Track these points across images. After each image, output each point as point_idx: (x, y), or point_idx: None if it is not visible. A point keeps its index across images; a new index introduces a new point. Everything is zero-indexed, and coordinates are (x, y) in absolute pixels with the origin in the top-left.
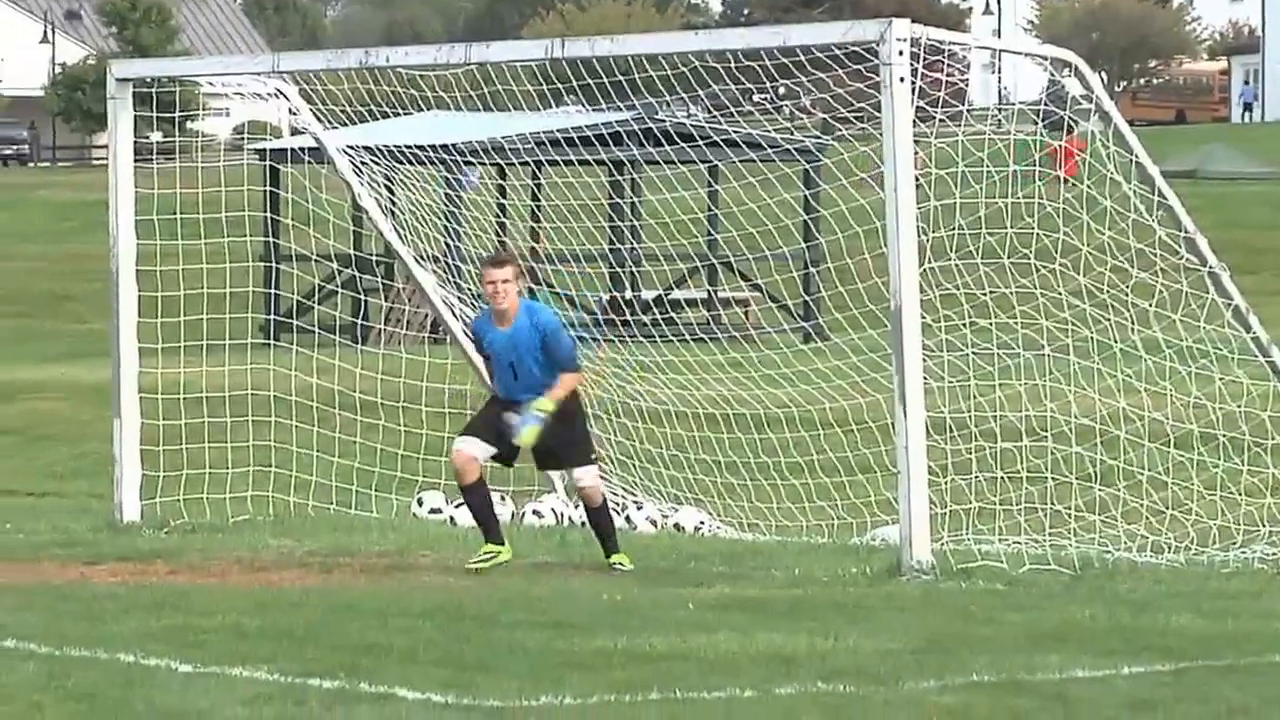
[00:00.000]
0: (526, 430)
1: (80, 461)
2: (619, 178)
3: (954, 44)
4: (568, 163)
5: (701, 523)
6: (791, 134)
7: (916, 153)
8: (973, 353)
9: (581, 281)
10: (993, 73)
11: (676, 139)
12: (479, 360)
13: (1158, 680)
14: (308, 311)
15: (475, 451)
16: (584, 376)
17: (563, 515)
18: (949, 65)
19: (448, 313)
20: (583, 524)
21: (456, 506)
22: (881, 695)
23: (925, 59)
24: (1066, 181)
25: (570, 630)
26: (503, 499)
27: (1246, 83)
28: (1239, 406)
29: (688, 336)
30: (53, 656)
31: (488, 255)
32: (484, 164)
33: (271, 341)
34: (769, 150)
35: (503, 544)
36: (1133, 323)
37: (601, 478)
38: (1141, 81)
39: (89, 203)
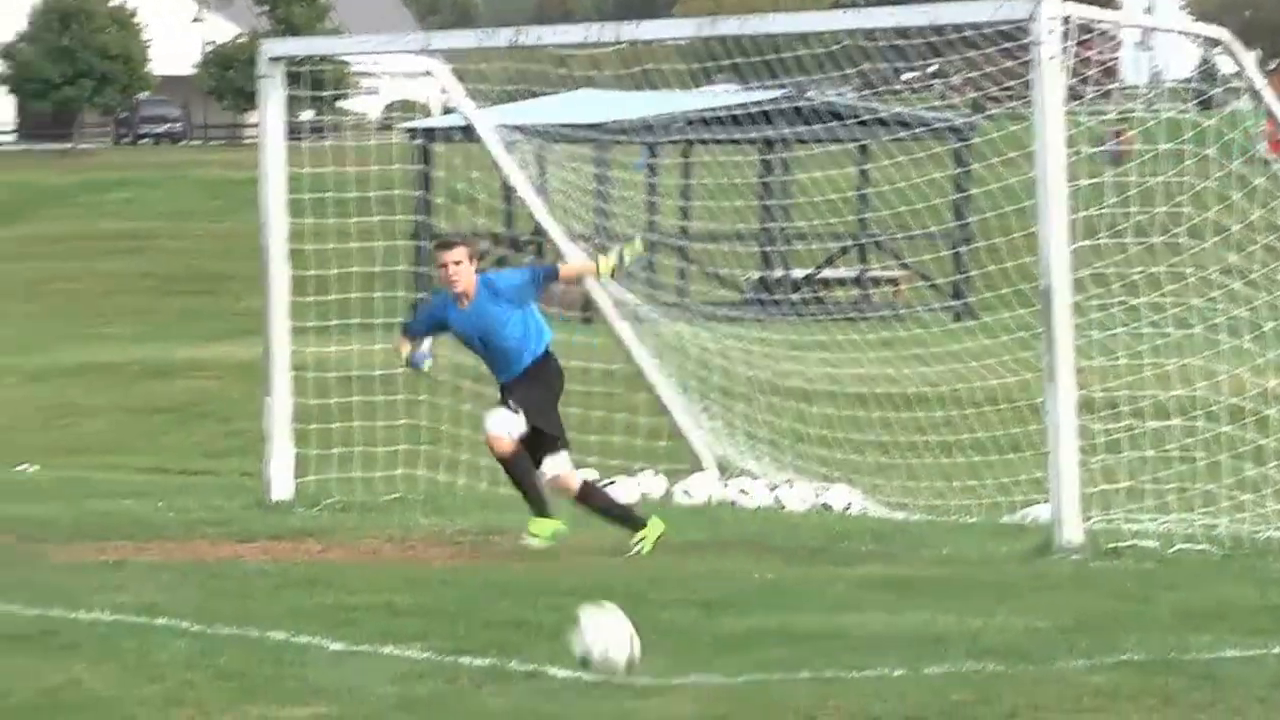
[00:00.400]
0: (615, 258)
1: (233, 440)
2: (769, 156)
3: (1105, 22)
4: (718, 142)
5: (851, 502)
6: (941, 112)
7: (1121, 130)
8: (1123, 331)
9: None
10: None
11: (827, 117)
12: (628, 338)
13: None
14: None
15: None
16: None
17: (713, 494)
18: (1100, 43)
19: (598, 291)
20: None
21: (607, 485)
22: (1031, 674)
23: (1076, 37)
24: (1265, 163)
25: (720, 609)
26: (656, 473)
27: None
28: None
29: (837, 316)
30: (204, 634)
31: (438, 238)
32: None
33: None
34: (919, 129)
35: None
36: None
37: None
38: None
39: (240, 181)
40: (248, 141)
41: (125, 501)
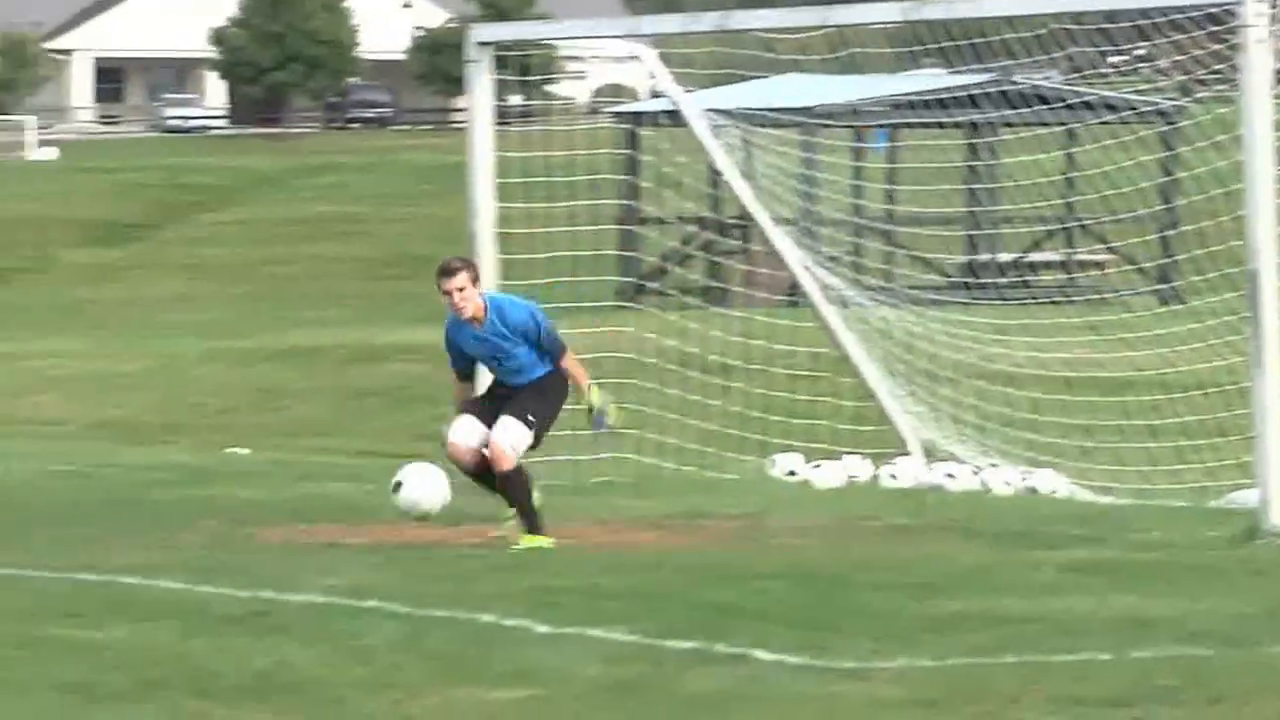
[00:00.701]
0: (609, 421)
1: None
2: (975, 140)
3: None
4: (924, 125)
5: (1057, 486)
6: (1148, 96)
7: None
8: None
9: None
10: None
11: (1033, 101)
12: (834, 322)
13: None
14: (665, 274)
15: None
16: (572, 354)
17: (919, 478)
18: None
19: (805, 275)
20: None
21: (815, 468)
22: (1238, 659)
23: None
24: None
25: (925, 592)
26: (862, 458)
27: None
28: None
29: (1043, 299)
30: (413, 617)
31: (438, 265)
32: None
33: (630, 304)
34: (1125, 112)
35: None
36: None
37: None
38: None
39: (448, 165)
40: (456, 126)
41: (336, 485)
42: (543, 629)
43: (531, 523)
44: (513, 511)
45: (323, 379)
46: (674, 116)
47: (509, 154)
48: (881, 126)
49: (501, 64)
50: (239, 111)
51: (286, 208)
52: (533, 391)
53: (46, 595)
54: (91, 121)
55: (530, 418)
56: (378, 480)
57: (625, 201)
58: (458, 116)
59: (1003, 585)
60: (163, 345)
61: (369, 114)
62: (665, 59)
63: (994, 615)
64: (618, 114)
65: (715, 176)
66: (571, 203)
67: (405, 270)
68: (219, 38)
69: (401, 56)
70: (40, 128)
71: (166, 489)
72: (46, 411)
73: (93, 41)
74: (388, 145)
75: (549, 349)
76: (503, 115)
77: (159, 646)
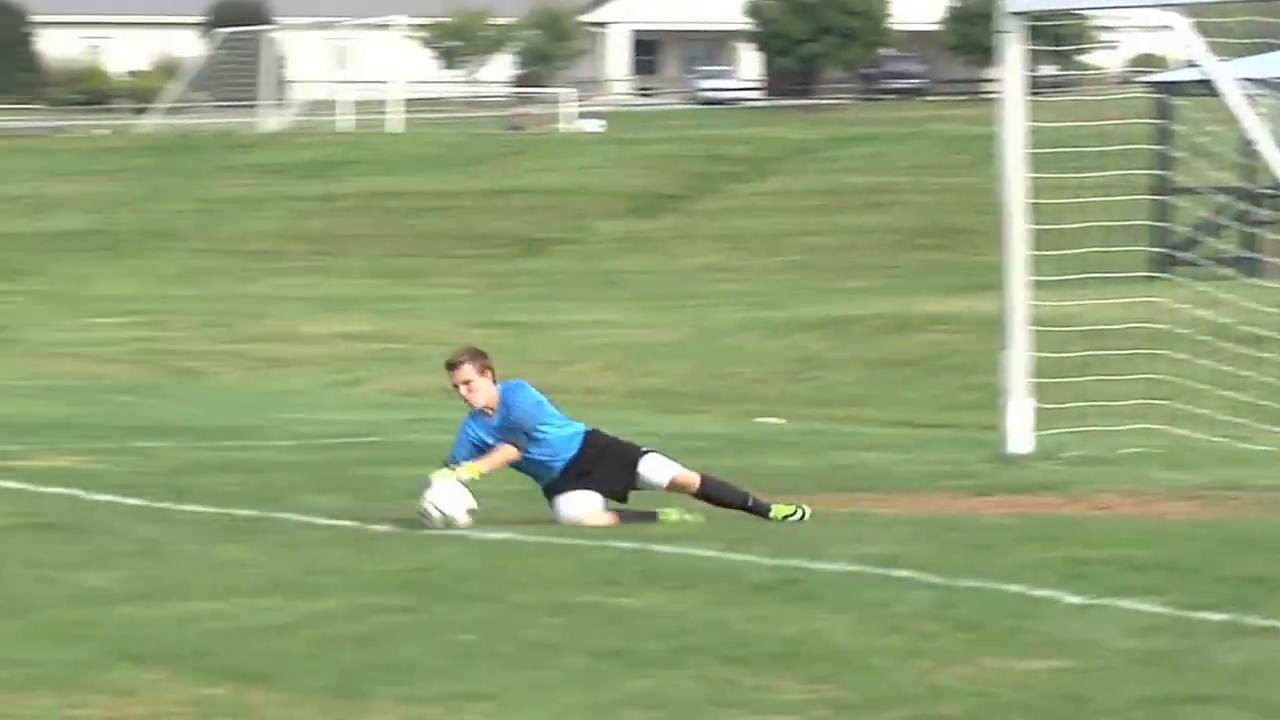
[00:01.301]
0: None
1: (973, 393)
2: None
3: None
4: None
5: None
6: None
7: None
8: None
9: None
10: None
11: None
12: None
13: None
14: (1199, 244)
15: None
16: (513, 453)
17: None
18: None
19: None
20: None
21: None
22: None
23: None
24: None
25: None
26: None
27: None
28: None
29: None
30: (943, 587)
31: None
32: None
33: (1162, 275)
34: None
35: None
36: None
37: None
38: None
39: (980, 136)
40: (988, 96)
41: (868, 454)
42: (1072, 600)
43: (755, 500)
44: (680, 514)
45: (856, 349)
46: (1207, 86)
47: (1040, 124)
48: None
49: (1033, 34)
50: (773, 83)
51: (820, 178)
52: (590, 469)
53: (584, 563)
54: (626, 94)
55: (640, 449)
56: (908, 450)
57: (1157, 171)
58: (989, 87)
59: None
60: (699, 315)
61: (902, 84)
62: (1199, 28)
63: None
64: (1150, 84)
65: (1249, 146)
66: (1103, 173)
67: (938, 240)
68: (754, 10)
69: (935, 27)
70: (577, 100)
71: (701, 458)
72: (585, 380)
73: (629, 14)
74: (920, 116)
75: (510, 429)
76: (1034, 85)
77: (691, 614)
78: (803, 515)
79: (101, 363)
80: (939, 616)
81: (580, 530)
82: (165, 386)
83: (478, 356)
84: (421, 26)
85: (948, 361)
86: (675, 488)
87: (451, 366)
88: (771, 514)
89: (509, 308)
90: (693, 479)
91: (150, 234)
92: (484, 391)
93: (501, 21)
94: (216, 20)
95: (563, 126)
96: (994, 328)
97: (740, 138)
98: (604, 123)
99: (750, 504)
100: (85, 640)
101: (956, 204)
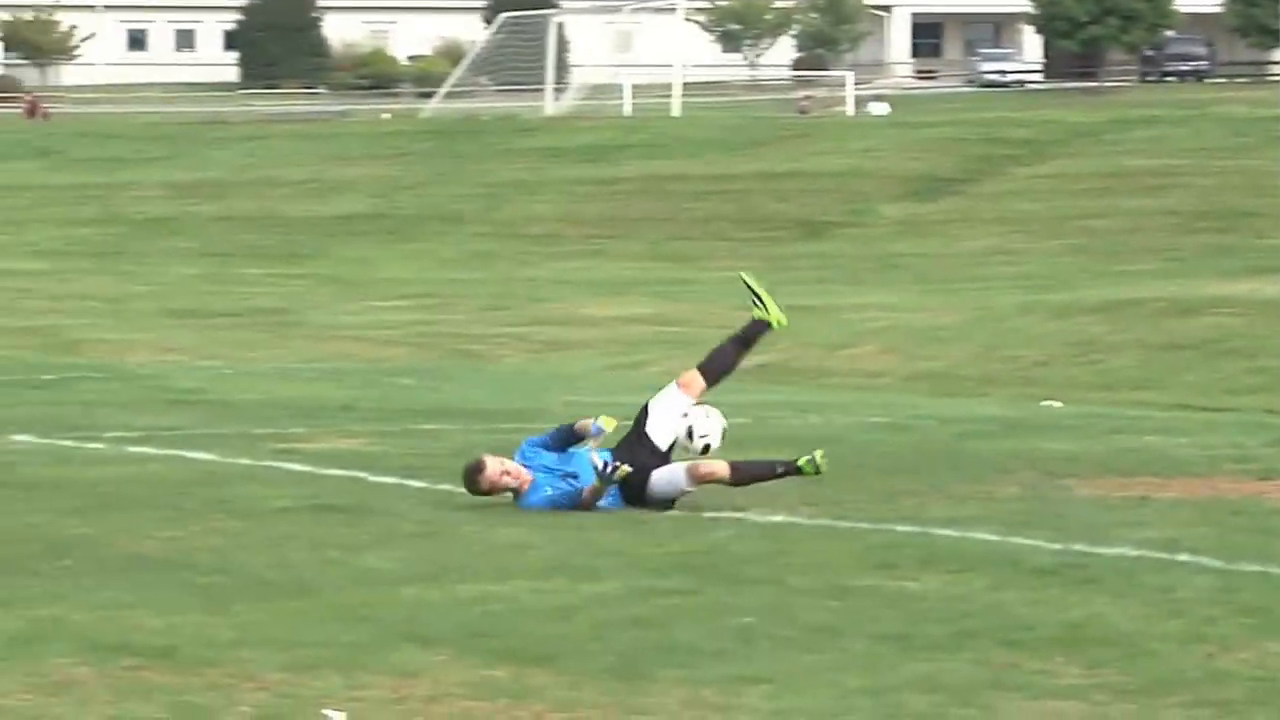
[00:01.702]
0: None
1: (1257, 377)
2: None
3: None
4: None
5: None
6: None
7: None
8: None
9: None
10: None
11: None
12: None
13: None
14: None
15: None
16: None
17: None
18: None
19: None
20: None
21: None
22: None
23: None
24: None
25: None
26: None
27: None
28: None
29: None
30: (1226, 571)
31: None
32: None
33: None
34: None
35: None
36: None
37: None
38: None
39: (1263, 119)
40: (1272, 79)
41: (1149, 438)
42: None
43: (785, 465)
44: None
45: (1137, 332)
46: None
47: None
48: None
49: None
50: (1055, 65)
51: (1100, 161)
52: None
53: (863, 546)
54: (909, 76)
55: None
56: (1191, 433)
57: None
58: (1273, 69)
59: None
60: (979, 298)
61: (1185, 67)
62: None
63: None
64: None
65: None
66: None
67: (1220, 223)
68: None
69: (1218, 9)
70: (858, 83)
71: (982, 440)
72: (865, 363)
73: None
74: (1203, 99)
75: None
76: None
77: (972, 597)
78: (813, 461)
79: (382, 345)
80: (1221, 601)
81: (858, 514)
82: (446, 369)
83: (481, 465)
84: (703, 10)
85: (1230, 345)
86: (702, 480)
87: (471, 485)
88: (802, 467)
89: (789, 290)
90: (718, 470)
91: (431, 217)
92: (516, 474)
93: (783, 5)
94: (499, 4)
95: (849, 110)
96: (1278, 311)
97: (1021, 120)
98: (890, 106)
99: (781, 470)
100: (368, 622)
101: (1239, 186)
